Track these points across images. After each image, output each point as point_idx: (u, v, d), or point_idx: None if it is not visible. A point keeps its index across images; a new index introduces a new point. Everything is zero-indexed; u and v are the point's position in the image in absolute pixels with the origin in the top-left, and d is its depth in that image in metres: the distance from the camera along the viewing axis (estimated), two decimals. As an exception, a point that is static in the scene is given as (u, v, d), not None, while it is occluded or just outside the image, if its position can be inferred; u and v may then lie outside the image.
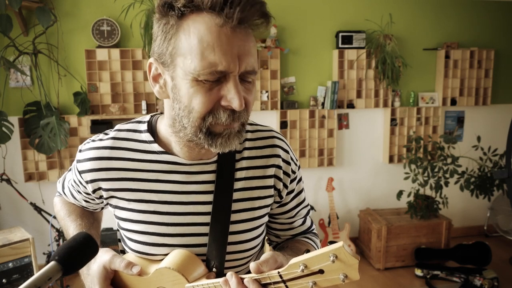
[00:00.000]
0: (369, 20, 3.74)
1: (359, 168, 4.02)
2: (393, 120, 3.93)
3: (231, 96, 0.71)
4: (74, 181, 0.94)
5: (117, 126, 0.91)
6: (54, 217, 2.89)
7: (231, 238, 0.86)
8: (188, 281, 0.80)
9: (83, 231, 0.74)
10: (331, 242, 0.63)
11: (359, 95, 3.84)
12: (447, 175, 3.49)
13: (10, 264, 2.37)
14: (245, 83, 0.74)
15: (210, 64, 0.69)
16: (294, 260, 0.65)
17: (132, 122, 0.91)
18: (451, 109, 4.12)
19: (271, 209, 0.95)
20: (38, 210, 2.90)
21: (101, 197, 0.90)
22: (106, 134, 0.90)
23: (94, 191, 0.89)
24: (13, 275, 2.38)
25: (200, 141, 0.76)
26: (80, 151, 0.90)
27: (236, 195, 0.87)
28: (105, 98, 3.41)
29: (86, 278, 0.91)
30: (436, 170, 3.52)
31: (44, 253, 3.06)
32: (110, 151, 0.86)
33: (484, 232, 4.28)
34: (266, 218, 0.93)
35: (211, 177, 0.86)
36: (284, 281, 0.68)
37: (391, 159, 3.97)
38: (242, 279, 0.72)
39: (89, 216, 1.03)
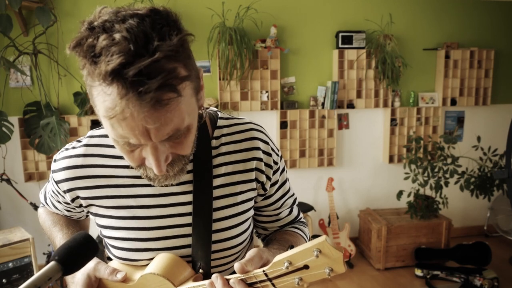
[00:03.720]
0: (369, 20, 3.74)
1: (359, 168, 4.02)
2: (393, 120, 3.93)
3: (151, 163, 0.68)
4: (53, 192, 0.92)
5: (90, 132, 0.88)
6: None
7: (215, 237, 0.85)
8: (174, 285, 0.78)
9: (83, 231, 0.74)
10: (315, 236, 0.62)
11: (359, 95, 3.84)
12: (447, 175, 3.49)
13: (10, 264, 2.37)
14: (173, 139, 0.67)
15: (120, 135, 0.64)
16: (278, 257, 0.65)
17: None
18: (451, 109, 4.12)
19: (255, 202, 0.93)
20: (38, 210, 2.90)
21: (80, 205, 0.89)
22: (79, 141, 0.88)
23: (72, 200, 0.88)
24: (13, 275, 2.38)
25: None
26: (55, 160, 0.88)
27: (216, 192, 0.85)
28: (105, 98, 3.41)
29: (70, 286, 0.90)
30: (436, 170, 3.52)
31: (44, 253, 3.06)
32: (83, 159, 0.84)
33: (484, 232, 4.28)
34: (251, 212, 0.92)
35: (188, 177, 0.83)
36: (270, 279, 0.68)
37: (391, 159, 3.97)
38: (228, 280, 0.71)
39: (75, 224, 1.02)
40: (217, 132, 0.87)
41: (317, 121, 3.77)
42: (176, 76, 0.60)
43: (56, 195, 0.92)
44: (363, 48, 3.73)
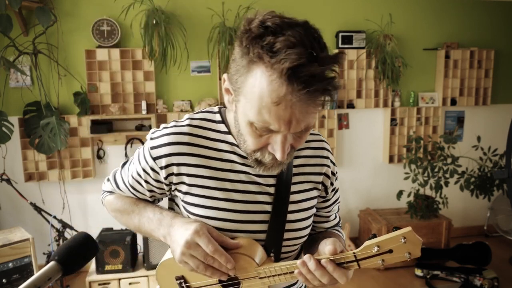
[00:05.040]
0: (369, 20, 3.74)
1: (359, 168, 4.02)
2: (393, 120, 3.93)
3: (276, 149, 0.78)
4: (143, 171, 0.93)
5: (188, 115, 0.94)
6: (55, 217, 2.89)
7: (288, 226, 0.93)
8: (257, 264, 0.85)
9: (83, 232, 0.74)
10: (396, 228, 0.76)
11: (359, 95, 3.84)
12: (447, 175, 3.49)
13: (10, 264, 2.37)
14: (299, 134, 0.79)
15: (264, 121, 0.74)
16: (369, 242, 0.77)
17: (203, 112, 0.95)
18: (451, 109, 4.12)
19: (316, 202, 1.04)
20: (38, 210, 2.90)
21: (170, 183, 0.92)
22: (179, 121, 0.93)
23: (166, 177, 0.91)
24: (13, 275, 2.38)
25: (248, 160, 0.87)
26: (152, 138, 0.91)
27: (293, 188, 0.95)
28: (105, 98, 3.41)
29: (170, 224, 0.88)
30: (436, 170, 3.52)
31: (44, 253, 3.06)
32: (189, 137, 0.90)
33: (484, 232, 4.28)
34: (314, 210, 1.02)
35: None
36: (357, 260, 0.78)
37: (391, 159, 3.97)
38: (319, 260, 0.79)
39: (155, 205, 1.02)
40: None
41: (317, 121, 3.77)
42: (334, 85, 0.72)
43: (146, 173, 0.93)
44: (363, 48, 3.73)
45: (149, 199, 1.01)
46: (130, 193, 1.01)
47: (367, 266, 0.79)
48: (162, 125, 0.93)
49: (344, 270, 0.80)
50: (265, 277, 0.86)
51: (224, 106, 0.94)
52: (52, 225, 2.92)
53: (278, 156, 0.78)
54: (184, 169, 0.89)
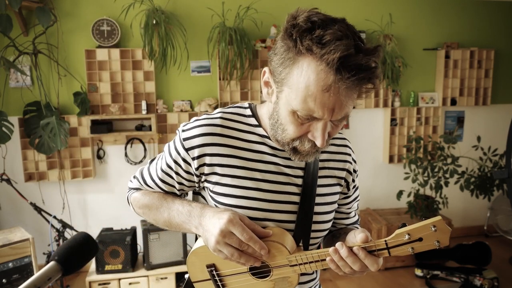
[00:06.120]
0: (369, 20, 3.74)
1: (359, 168, 4.01)
2: (393, 120, 3.93)
3: (317, 135, 0.83)
4: (174, 162, 0.95)
5: (219, 109, 0.98)
6: (55, 217, 2.90)
7: (314, 218, 0.96)
8: (289, 252, 0.87)
9: (83, 232, 0.74)
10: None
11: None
12: (447, 175, 3.49)
13: (10, 264, 2.37)
14: (335, 121, 0.84)
15: (308, 109, 0.79)
16: (400, 230, 0.79)
17: (234, 107, 0.99)
18: (451, 109, 4.12)
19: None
20: (38, 210, 2.90)
21: (201, 174, 0.94)
22: (210, 114, 0.96)
23: (198, 168, 0.93)
24: (13, 275, 2.38)
25: (285, 150, 0.90)
26: (184, 130, 0.94)
27: (320, 181, 0.98)
28: (105, 98, 3.41)
29: (201, 214, 0.90)
30: (436, 170, 3.52)
31: (44, 253, 3.06)
32: (221, 129, 0.93)
33: (484, 232, 4.28)
34: (336, 205, 1.05)
35: (301, 164, 0.97)
36: (388, 248, 0.81)
37: (391, 159, 3.97)
38: (350, 248, 0.82)
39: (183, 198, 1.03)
40: None
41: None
42: (377, 75, 0.77)
43: (177, 164, 0.95)
44: (363, 48, 3.72)
45: (178, 192, 1.02)
46: (158, 188, 1.02)
47: (397, 254, 0.81)
48: (194, 118, 0.96)
49: (375, 258, 0.82)
50: (296, 264, 0.87)
51: (249, 104, 0.99)
52: (52, 225, 2.92)
53: (319, 142, 0.82)
54: (216, 160, 0.92)
